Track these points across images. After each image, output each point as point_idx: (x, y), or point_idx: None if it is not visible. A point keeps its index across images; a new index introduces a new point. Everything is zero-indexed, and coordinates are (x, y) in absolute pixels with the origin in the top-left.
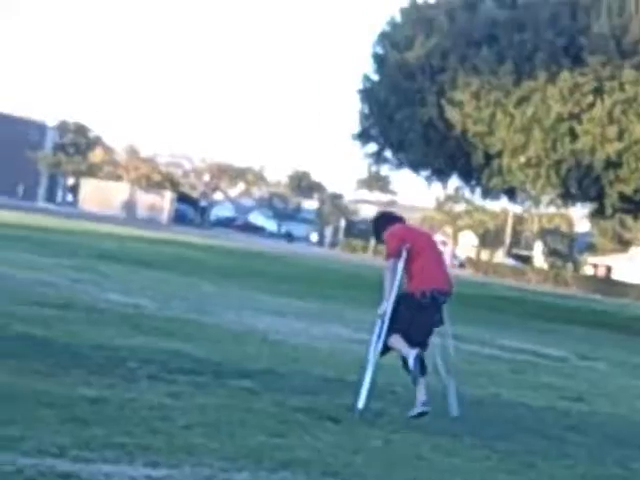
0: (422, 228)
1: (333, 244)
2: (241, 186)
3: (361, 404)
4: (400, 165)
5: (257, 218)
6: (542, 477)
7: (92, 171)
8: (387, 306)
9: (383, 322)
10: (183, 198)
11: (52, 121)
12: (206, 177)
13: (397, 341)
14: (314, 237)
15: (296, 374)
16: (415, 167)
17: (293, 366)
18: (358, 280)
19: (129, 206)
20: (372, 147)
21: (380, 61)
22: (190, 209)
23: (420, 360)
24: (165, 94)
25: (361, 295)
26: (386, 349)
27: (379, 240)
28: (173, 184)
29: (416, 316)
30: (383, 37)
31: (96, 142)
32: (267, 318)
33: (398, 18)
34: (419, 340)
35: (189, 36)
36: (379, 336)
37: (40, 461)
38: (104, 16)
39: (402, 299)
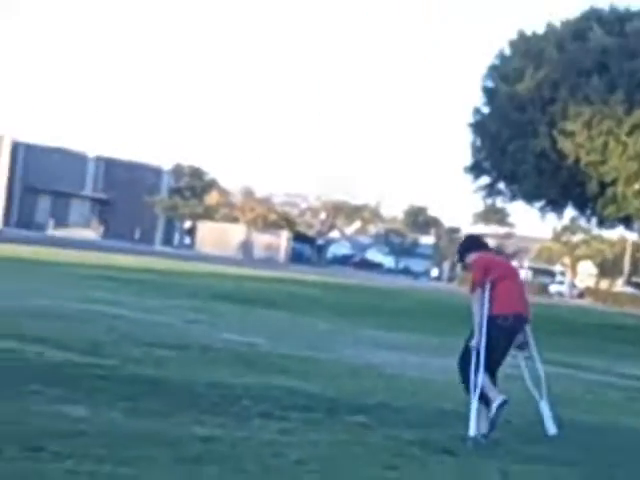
0: (502, 259)
1: (450, 278)
2: (357, 223)
3: (472, 432)
4: (513, 197)
5: (374, 255)
6: None
7: (208, 213)
8: (480, 338)
9: (478, 353)
10: (299, 237)
11: (167, 165)
12: (322, 215)
13: (485, 382)
14: (435, 272)
15: (412, 408)
16: (528, 198)
17: (409, 400)
18: None
19: (246, 247)
20: (485, 179)
21: (490, 94)
22: (307, 248)
23: (500, 408)
24: (279, 134)
25: None
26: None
27: (460, 262)
28: (289, 223)
29: (497, 341)
30: (493, 70)
31: (211, 185)
32: (383, 353)
33: (507, 51)
34: (491, 367)
35: (309, 75)
36: (477, 367)
37: None
38: (216, 64)
39: (488, 325)
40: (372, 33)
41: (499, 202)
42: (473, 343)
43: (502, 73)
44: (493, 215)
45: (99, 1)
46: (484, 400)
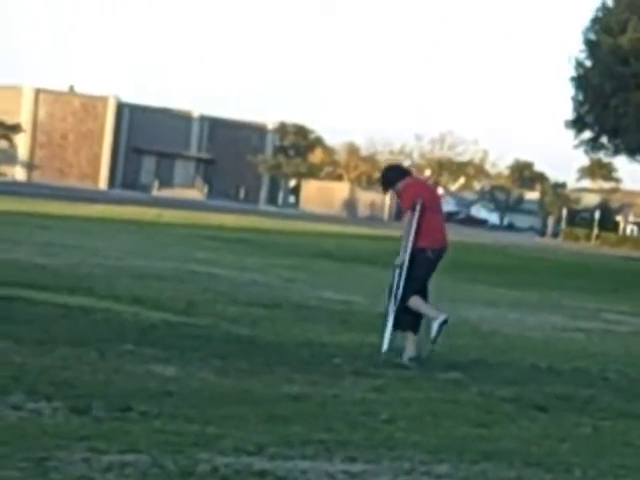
0: (427, 182)
1: (555, 234)
2: (462, 180)
3: (385, 347)
4: (616, 151)
5: (479, 211)
6: None
7: (312, 172)
8: (405, 257)
9: (401, 272)
10: None
11: (272, 124)
12: (426, 172)
13: (419, 303)
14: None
15: (506, 364)
16: (631, 152)
17: (503, 357)
18: (580, 269)
19: (350, 205)
20: (587, 134)
21: (593, 47)
22: None
23: (442, 325)
24: (383, 92)
25: (582, 284)
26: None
27: (386, 191)
28: None
29: (427, 271)
30: (595, 22)
31: (316, 143)
32: (480, 309)
33: (609, 2)
34: (423, 292)
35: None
36: (397, 285)
37: (236, 460)
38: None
39: (416, 255)
40: None
41: (602, 156)
42: (398, 261)
43: (605, 25)
44: (598, 170)
45: None
46: (412, 325)
